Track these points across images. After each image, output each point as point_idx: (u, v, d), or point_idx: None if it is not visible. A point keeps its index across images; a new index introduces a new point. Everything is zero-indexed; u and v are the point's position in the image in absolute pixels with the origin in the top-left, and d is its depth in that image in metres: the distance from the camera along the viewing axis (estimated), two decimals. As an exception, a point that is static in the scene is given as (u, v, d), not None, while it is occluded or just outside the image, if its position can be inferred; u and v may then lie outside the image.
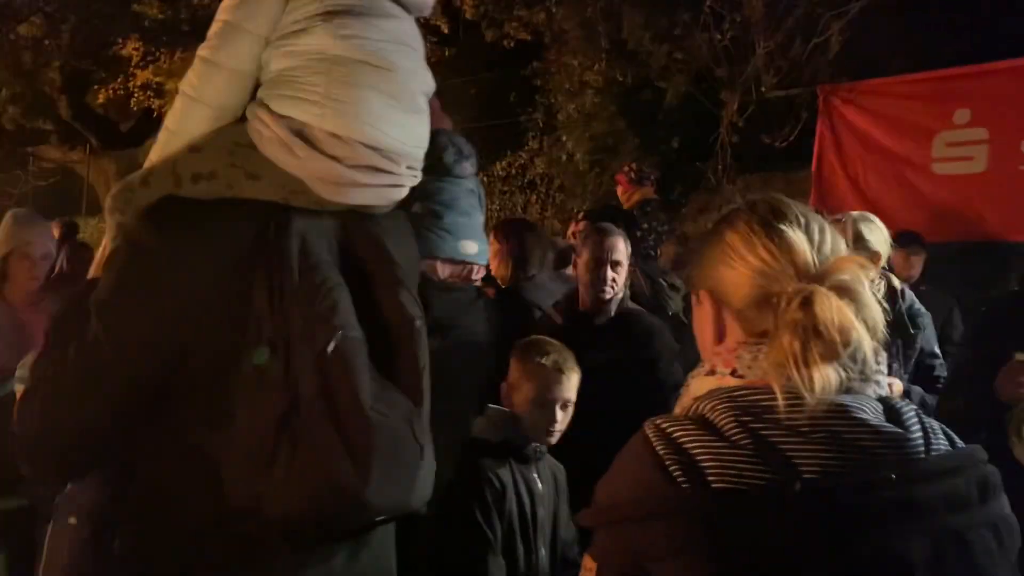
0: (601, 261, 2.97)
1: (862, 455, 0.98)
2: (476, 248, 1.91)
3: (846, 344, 1.00)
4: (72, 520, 1.55)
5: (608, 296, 3.00)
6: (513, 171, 10.50)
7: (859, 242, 3.32)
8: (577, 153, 9.04)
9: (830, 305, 1.00)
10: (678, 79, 8.02)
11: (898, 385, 3.09)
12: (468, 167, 1.87)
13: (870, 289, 1.05)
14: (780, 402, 1.00)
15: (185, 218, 1.15)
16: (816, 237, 1.09)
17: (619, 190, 5.58)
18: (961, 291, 5.25)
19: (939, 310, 5.09)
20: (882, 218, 3.50)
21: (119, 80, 11.69)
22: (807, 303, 1.00)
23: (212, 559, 1.14)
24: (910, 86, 5.95)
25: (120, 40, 10.55)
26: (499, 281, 3.55)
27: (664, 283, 4.21)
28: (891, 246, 3.31)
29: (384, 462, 1.12)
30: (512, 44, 9.47)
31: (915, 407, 1.08)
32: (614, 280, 2.98)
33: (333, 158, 1.18)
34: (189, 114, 1.22)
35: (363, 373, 1.14)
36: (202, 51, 1.24)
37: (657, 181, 5.66)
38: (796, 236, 1.08)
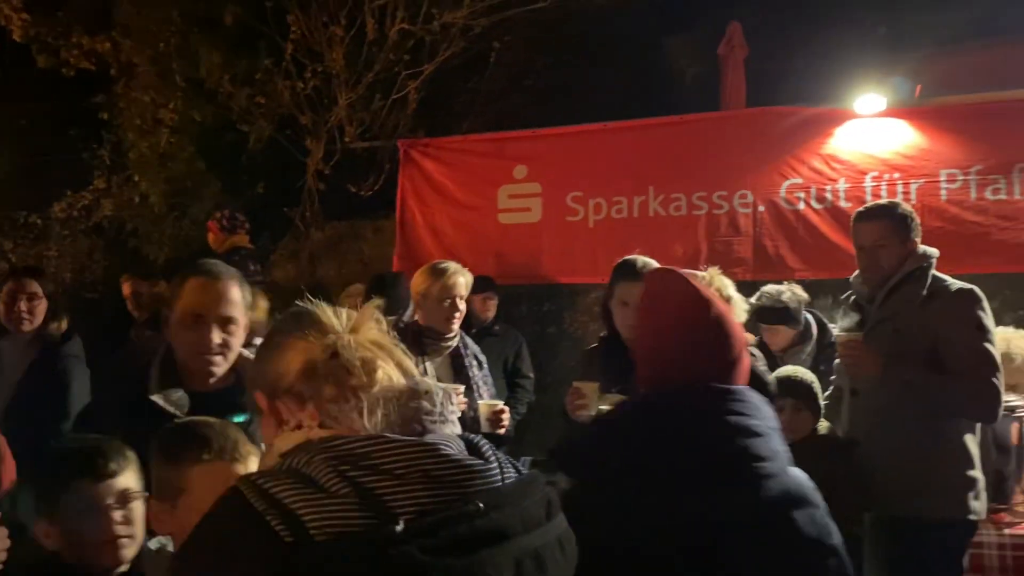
0: (207, 319, 2.16)
1: (453, 489, 1.06)
2: None
3: (371, 375, 1.16)
4: None
5: (218, 369, 2.19)
6: (75, 213, 9.34)
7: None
8: (152, 195, 8.40)
9: (353, 349, 1.19)
10: (261, 124, 7.90)
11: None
12: None
13: (389, 336, 1.27)
14: (371, 447, 1.06)
15: None
16: (338, 312, 1.29)
17: (210, 237, 5.29)
18: (533, 328, 5.90)
19: (511, 345, 5.67)
20: (460, 264, 3.80)
21: None
22: (335, 353, 1.18)
23: None
24: (478, 144, 6.59)
25: None
26: None
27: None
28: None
29: None
30: (72, 73, 8.48)
31: (487, 441, 1.19)
32: (225, 344, 2.17)
33: None
34: None
35: None
36: None
37: (249, 230, 5.48)
38: (320, 311, 1.27)
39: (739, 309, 2.96)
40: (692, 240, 5.85)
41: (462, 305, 3.49)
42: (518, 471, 1.17)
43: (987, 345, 3.00)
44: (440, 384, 1.22)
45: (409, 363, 1.23)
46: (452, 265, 3.56)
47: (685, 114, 6.16)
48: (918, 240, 3.25)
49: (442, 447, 1.09)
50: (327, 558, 0.95)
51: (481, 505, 1.05)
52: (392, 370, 1.18)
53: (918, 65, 7.02)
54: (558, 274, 6.21)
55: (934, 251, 3.26)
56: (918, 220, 3.30)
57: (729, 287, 3.01)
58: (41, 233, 9.64)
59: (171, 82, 8.13)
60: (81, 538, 1.71)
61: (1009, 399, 3.42)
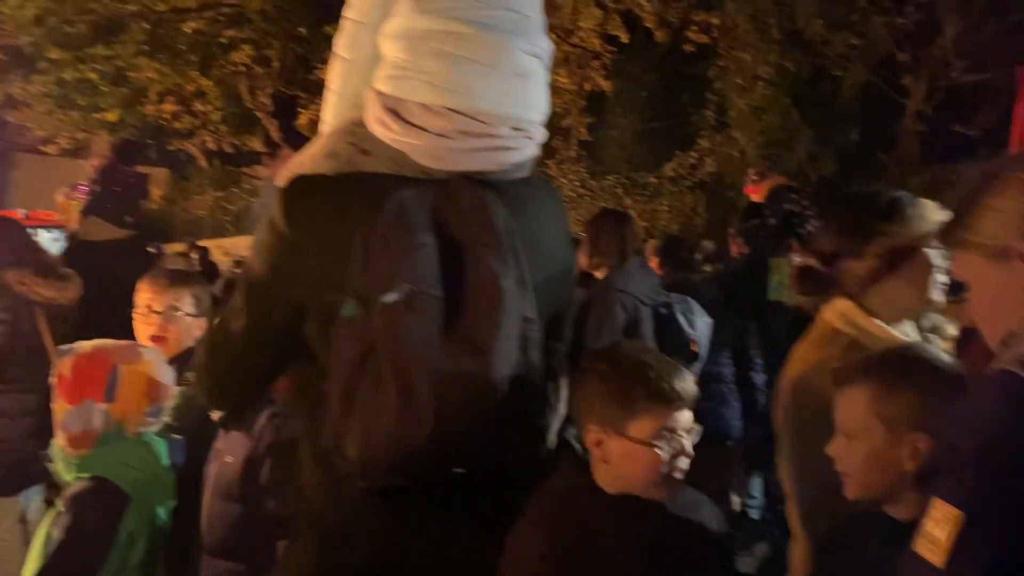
0: None
1: None
2: None
3: None
4: (229, 459, 1.85)
5: None
6: (683, 171, 10.41)
7: None
8: (748, 149, 8.87)
9: None
10: (856, 67, 7.68)
11: None
12: None
13: None
14: None
15: (310, 193, 1.30)
16: None
17: (753, 196, 5.25)
18: None
19: None
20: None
21: (319, 102, 12.52)
22: None
23: (323, 488, 1.29)
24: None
25: (319, 64, 11.41)
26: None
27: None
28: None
29: (448, 414, 1.15)
30: (692, 48, 9.31)
31: None
32: None
33: (421, 129, 1.26)
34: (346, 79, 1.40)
35: (428, 328, 1.17)
36: (336, 49, 1.42)
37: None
38: None
39: None
40: None
41: None
42: None
43: None
44: None
45: None
46: None
47: None
48: None
49: None
50: None
51: None
52: None
53: None
54: None
55: None
56: None
57: None
58: (655, 191, 10.93)
59: (768, 37, 8.41)
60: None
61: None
